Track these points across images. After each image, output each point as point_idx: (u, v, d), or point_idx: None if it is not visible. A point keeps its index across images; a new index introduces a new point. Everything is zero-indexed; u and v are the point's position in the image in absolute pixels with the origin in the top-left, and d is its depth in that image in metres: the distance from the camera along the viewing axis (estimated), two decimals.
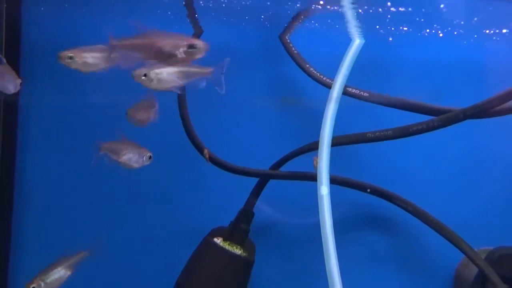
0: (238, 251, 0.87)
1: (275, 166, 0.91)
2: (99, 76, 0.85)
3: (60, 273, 0.83)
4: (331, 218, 0.79)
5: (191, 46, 0.70)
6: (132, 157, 0.81)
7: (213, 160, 0.89)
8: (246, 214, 0.90)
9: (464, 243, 0.85)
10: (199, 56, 0.70)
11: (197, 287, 0.85)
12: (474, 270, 0.85)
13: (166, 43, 0.70)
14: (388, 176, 0.93)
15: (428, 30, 0.91)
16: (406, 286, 0.95)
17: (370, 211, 0.95)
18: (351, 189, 0.90)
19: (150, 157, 0.81)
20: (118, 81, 0.96)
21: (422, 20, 0.87)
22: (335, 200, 0.81)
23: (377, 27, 0.90)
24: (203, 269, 0.86)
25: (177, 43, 0.70)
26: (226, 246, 0.87)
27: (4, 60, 0.77)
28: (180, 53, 0.69)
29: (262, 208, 0.93)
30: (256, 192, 0.91)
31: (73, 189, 0.95)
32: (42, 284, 0.82)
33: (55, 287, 0.81)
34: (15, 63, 0.96)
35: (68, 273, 0.83)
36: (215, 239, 0.88)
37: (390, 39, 0.95)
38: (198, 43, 0.70)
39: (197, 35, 0.93)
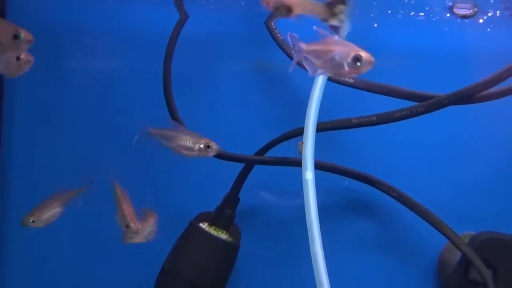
0: (223, 236, 0.88)
1: (261, 152, 0.91)
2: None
3: (54, 209, 0.84)
4: (316, 203, 0.80)
5: (355, 59, 0.66)
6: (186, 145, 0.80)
7: None
8: (232, 199, 0.91)
9: (447, 228, 0.87)
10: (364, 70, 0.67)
11: (183, 271, 0.86)
12: (458, 255, 0.86)
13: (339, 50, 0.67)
14: (373, 162, 0.94)
15: (413, 13, 0.92)
16: (390, 271, 0.96)
17: (355, 197, 0.96)
18: (336, 175, 0.91)
19: (208, 147, 0.81)
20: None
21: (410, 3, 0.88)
22: (320, 185, 0.82)
23: (363, 12, 0.91)
24: (189, 254, 0.87)
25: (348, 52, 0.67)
26: (212, 231, 0.88)
27: None
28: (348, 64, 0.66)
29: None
30: (241, 177, 0.91)
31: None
32: (36, 219, 0.83)
33: (48, 223, 0.84)
34: None
35: (61, 209, 0.85)
36: (201, 224, 0.89)
37: (375, 25, 0.95)
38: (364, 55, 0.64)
39: (183, 20, 0.93)
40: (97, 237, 0.97)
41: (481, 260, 0.84)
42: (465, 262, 0.86)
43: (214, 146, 0.79)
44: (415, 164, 0.97)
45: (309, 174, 0.81)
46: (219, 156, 0.90)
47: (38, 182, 0.99)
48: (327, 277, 0.77)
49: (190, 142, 0.80)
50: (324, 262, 0.78)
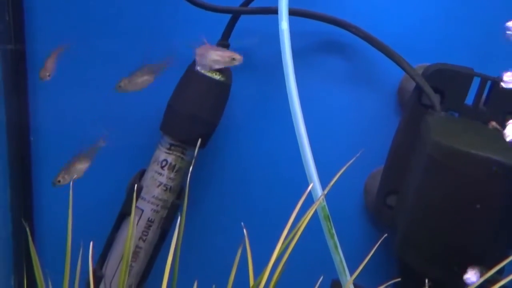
0: (217, 76, 1.02)
1: (245, 4, 1.04)
2: None
3: (81, 165, 1.01)
4: (290, 49, 0.91)
5: None
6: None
7: None
8: (222, 46, 1.04)
9: (404, 61, 1.00)
10: None
11: (183, 107, 1.02)
12: (414, 83, 1.00)
13: None
14: (342, 7, 1.05)
15: None
16: (357, 99, 1.10)
17: (327, 38, 1.07)
18: (309, 20, 1.02)
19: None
20: None
21: None
22: (295, 30, 0.93)
23: None
24: (188, 92, 1.02)
25: None
26: (206, 72, 1.01)
27: None
28: None
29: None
30: (230, 27, 1.05)
31: None
32: (67, 177, 1.00)
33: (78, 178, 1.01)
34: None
35: (88, 164, 1.01)
36: (197, 67, 1.02)
37: None
38: None
39: None
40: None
41: (431, 88, 0.98)
42: (418, 90, 1.00)
43: (238, 57, 0.98)
44: (377, 5, 1.06)
45: (284, 24, 0.93)
46: (209, 8, 1.03)
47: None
48: (300, 108, 0.92)
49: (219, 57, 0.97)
50: (298, 95, 0.91)
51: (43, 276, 0.72)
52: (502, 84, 0.94)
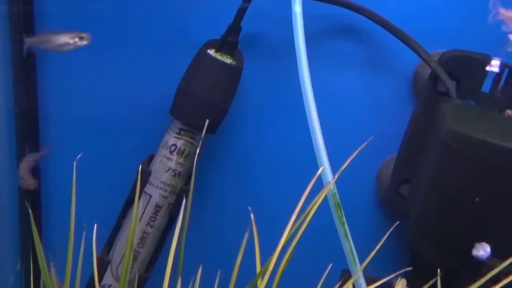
0: (228, 60, 1.01)
1: None
2: None
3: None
4: (303, 33, 0.90)
5: None
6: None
7: None
8: (234, 28, 1.01)
9: (420, 47, 0.98)
10: None
11: (195, 90, 1.00)
12: (429, 70, 0.98)
13: None
14: None
15: None
16: (372, 85, 1.07)
17: (341, 22, 1.05)
18: (323, 3, 0.99)
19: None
20: None
21: None
22: (308, 13, 0.92)
23: None
24: (199, 76, 1.00)
25: None
26: (218, 56, 1.01)
27: None
28: None
29: None
30: (242, 9, 1.01)
31: None
32: None
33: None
34: None
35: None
36: (208, 51, 1.01)
37: None
38: None
39: None
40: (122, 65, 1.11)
41: (447, 74, 0.96)
42: (434, 76, 0.98)
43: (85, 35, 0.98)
44: None
45: (297, 7, 0.91)
46: None
47: None
48: (313, 94, 0.91)
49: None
50: (310, 83, 0.90)
51: (46, 260, 0.71)
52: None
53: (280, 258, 0.70)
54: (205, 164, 1.12)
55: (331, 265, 0.78)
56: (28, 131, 1.13)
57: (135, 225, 0.72)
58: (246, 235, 0.74)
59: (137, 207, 1.00)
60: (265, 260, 0.72)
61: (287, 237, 0.69)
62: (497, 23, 1.01)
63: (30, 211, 0.80)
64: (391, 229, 0.78)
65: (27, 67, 1.09)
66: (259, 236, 0.74)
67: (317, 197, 0.72)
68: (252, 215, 0.71)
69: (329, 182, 0.85)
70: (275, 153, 1.12)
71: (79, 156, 0.78)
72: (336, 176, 0.80)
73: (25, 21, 1.07)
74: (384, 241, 0.77)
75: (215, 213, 1.15)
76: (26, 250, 1.15)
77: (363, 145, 0.77)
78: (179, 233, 0.70)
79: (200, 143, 0.84)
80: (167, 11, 1.08)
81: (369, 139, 0.80)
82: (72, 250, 0.71)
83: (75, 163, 0.75)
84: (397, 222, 0.82)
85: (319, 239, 1.02)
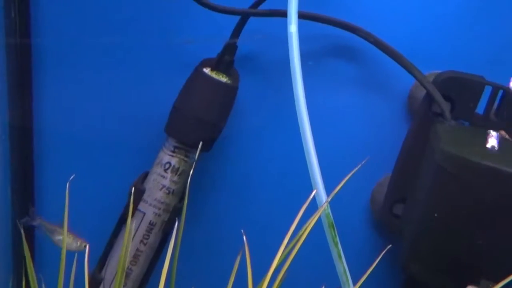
0: (223, 79, 1.01)
1: (255, 5, 1.02)
2: None
3: None
4: (299, 52, 0.89)
5: None
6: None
7: None
8: (230, 47, 1.02)
9: (415, 68, 0.98)
10: None
11: (189, 109, 1.00)
12: (424, 90, 0.98)
13: None
14: (353, 11, 1.03)
15: None
16: (367, 105, 1.07)
17: (336, 42, 1.05)
18: (319, 23, 1.00)
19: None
20: None
21: None
22: (304, 33, 0.91)
23: None
24: (193, 95, 1.00)
25: None
26: (213, 75, 1.01)
27: None
28: None
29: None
30: (238, 28, 1.02)
31: None
32: None
33: None
34: None
35: None
36: (204, 69, 1.01)
37: None
38: None
39: None
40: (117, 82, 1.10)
41: (442, 95, 0.96)
42: (429, 97, 0.98)
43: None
44: (389, 11, 1.04)
45: (293, 27, 0.91)
46: (218, 10, 1.01)
47: None
48: (307, 113, 0.90)
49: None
50: (305, 102, 0.89)
51: (37, 279, 0.70)
52: None
53: (273, 280, 0.70)
54: (199, 182, 1.11)
55: (323, 287, 0.77)
56: (22, 147, 1.12)
57: (128, 243, 0.71)
58: (239, 258, 0.74)
59: (131, 224, 1.00)
60: (258, 281, 0.72)
61: (279, 260, 0.69)
62: (493, 44, 1.03)
63: (22, 230, 0.79)
64: (384, 251, 0.77)
65: (22, 82, 1.09)
66: (253, 257, 0.74)
67: (310, 220, 0.71)
68: (244, 237, 0.71)
69: (322, 204, 0.85)
70: (270, 171, 1.12)
71: (71, 177, 0.77)
72: (329, 199, 0.80)
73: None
74: (378, 262, 0.76)
75: (209, 232, 1.14)
76: (19, 269, 1.14)
77: (356, 168, 0.77)
78: (171, 252, 0.69)
79: (194, 163, 0.84)
80: (164, 29, 1.08)
81: (363, 162, 0.79)
82: (64, 269, 0.71)
83: (68, 184, 0.75)
84: (389, 246, 0.82)
85: (313, 260, 1.02)
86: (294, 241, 0.71)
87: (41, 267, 1.15)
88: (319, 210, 0.77)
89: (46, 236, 0.99)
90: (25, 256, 0.73)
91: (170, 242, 0.70)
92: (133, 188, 0.97)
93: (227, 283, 0.73)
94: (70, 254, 0.74)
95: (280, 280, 0.70)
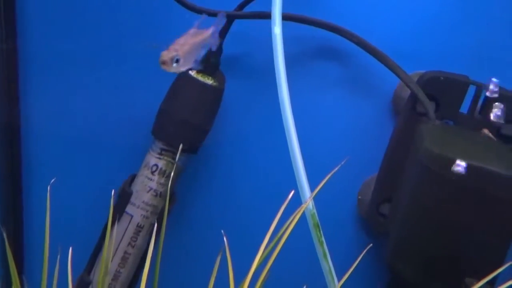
0: (209, 81, 1.01)
1: (240, 7, 1.03)
2: None
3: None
4: (283, 54, 0.90)
5: None
6: None
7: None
8: (216, 49, 1.02)
9: (399, 68, 0.98)
10: None
11: (175, 112, 1.00)
12: (409, 90, 0.98)
13: None
14: (338, 11, 1.04)
15: None
16: (351, 105, 1.08)
17: (321, 43, 1.06)
18: (303, 25, 1.01)
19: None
20: None
21: None
22: (288, 34, 0.92)
23: None
24: (179, 98, 1.01)
25: None
26: (199, 77, 1.01)
27: None
28: None
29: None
30: (224, 31, 1.03)
31: None
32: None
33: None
34: None
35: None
36: (190, 72, 1.01)
37: None
38: None
39: None
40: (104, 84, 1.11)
41: (426, 95, 0.96)
42: (413, 97, 0.98)
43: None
44: (372, 12, 1.05)
45: (277, 29, 0.92)
46: (203, 12, 1.02)
47: None
48: (292, 114, 0.90)
49: None
50: (290, 103, 0.89)
51: (20, 282, 0.71)
52: (487, 93, 0.94)
53: (254, 280, 0.70)
54: (186, 184, 1.11)
55: (305, 286, 0.77)
56: (9, 148, 1.13)
57: (110, 246, 0.72)
58: (219, 258, 0.74)
59: (119, 227, 1.00)
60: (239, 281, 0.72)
61: (260, 258, 0.69)
62: (477, 44, 1.03)
63: (5, 235, 0.79)
64: (366, 249, 0.78)
65: (9, 85, 1.10)
66: (238, 257, 0.74)
67: (291, 218, 0.72)
68: (225, 238, 0.71)
69: (306, 200, 0.85)
70: (256, 174, 1.12)
71: (52, 180, 0.78)
72: (312, 195, 0.81)
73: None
74: (364, 261, 0.77)
75: (195, 233, 1.14)
76: (7, 272, 1.14)
77: (338, 166, 0.77)
78: (151, 255, 0.69)
79: (174, 166, 0.84)
80: (150, 31, 1.09)
81: (343, 162, 0.80)
82: (46, 274, 0.71)
83: (48, 187, 0.75)
84: (371, 244, 0.82)
85: (298, 259, 1.02)
86: (275, 239, 0.71)
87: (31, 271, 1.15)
88: (301, 207, 0.77)
89: None
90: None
91: (151, 243, 0.70)
92: (120, 190, 0.97)
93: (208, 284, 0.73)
94: (54, 256, 0.74)
95: (262, 280, 0.71)
